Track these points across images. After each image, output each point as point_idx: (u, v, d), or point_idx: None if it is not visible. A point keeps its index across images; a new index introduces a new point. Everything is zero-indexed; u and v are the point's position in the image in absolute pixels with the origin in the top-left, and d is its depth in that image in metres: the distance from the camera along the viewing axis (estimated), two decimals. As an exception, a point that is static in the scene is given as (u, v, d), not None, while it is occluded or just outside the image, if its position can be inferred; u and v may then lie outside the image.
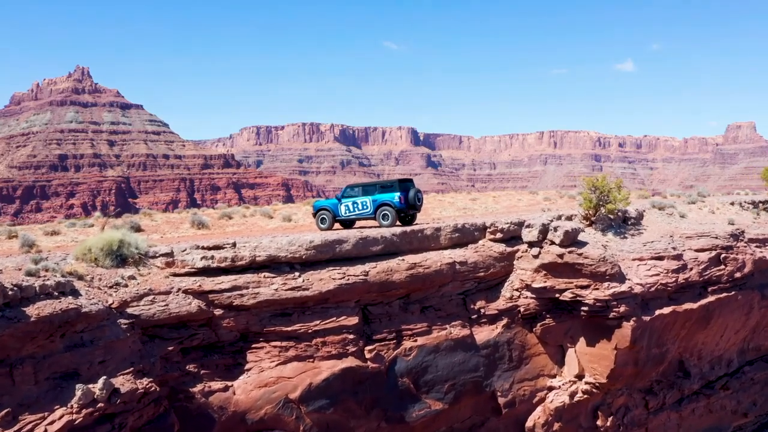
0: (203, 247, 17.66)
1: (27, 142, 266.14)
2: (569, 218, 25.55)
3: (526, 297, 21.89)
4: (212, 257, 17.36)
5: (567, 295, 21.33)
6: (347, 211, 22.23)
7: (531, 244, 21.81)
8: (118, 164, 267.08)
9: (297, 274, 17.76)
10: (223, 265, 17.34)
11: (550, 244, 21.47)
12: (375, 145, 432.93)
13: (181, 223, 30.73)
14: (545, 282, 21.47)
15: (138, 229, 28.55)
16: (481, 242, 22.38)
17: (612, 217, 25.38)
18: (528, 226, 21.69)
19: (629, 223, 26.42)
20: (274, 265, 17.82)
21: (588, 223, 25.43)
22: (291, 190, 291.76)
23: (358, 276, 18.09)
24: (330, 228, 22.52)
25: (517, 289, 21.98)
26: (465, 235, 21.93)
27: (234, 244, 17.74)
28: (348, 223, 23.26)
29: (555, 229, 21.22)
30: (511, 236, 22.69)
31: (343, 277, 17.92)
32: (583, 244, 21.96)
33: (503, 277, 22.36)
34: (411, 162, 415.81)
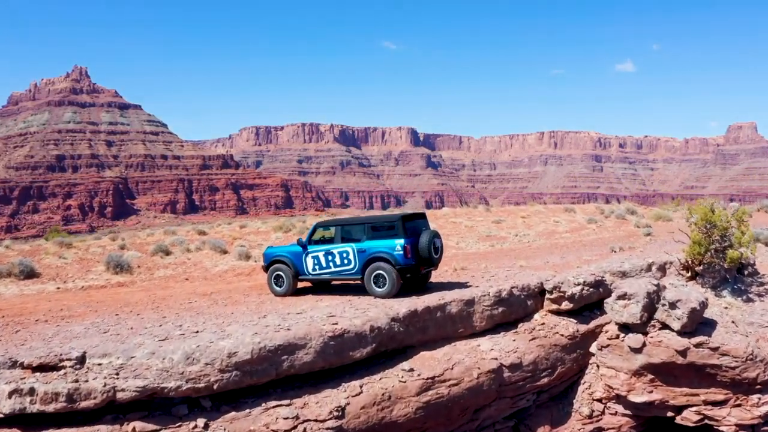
0: (23, 366, 8.93)
1: (24, 142, 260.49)
2: (662, 268, 16.81)
3: (615, 413, 13.09)
4: (32, 391, 8.60)
5: (689, 417, 12.52)
6: (317, 267, 13.50)
7: (626, 327, 13.01)
8: (116, 165, 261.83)
9: (202, 422, 8.94)
10: (51, 408, 8.57)
11: (660, 329, 12.66)
12: (375, 146, 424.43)
13: (98, 261, 22.03)
14: (651, 393, 12.67)
15: (31, 273, 20.05)
16: (537, 317, 13.64)
17: (727, 267, 16.57)
18: (622, 298, 12.83)
19: (745, 273, 17.62)
20: (159, 402, 9.06)
21: (689, 275, 16.68)
22: (290, 191, 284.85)
23: (324, 422, 9.27)
24: (290, 292, 13.85)
25: (599, 400, 13.19)
26: (512, 308, 13.18)
27: (81, 360, 8.98)
28: (319, 283, 14.58)
29: (672, 306, 12.38)
30: (585, 304, 14.03)
31: (295, 426, 9.10)
32: (711, 324, 13.17)
33: (575, 378, 13.61)
34: (411, 162, 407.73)
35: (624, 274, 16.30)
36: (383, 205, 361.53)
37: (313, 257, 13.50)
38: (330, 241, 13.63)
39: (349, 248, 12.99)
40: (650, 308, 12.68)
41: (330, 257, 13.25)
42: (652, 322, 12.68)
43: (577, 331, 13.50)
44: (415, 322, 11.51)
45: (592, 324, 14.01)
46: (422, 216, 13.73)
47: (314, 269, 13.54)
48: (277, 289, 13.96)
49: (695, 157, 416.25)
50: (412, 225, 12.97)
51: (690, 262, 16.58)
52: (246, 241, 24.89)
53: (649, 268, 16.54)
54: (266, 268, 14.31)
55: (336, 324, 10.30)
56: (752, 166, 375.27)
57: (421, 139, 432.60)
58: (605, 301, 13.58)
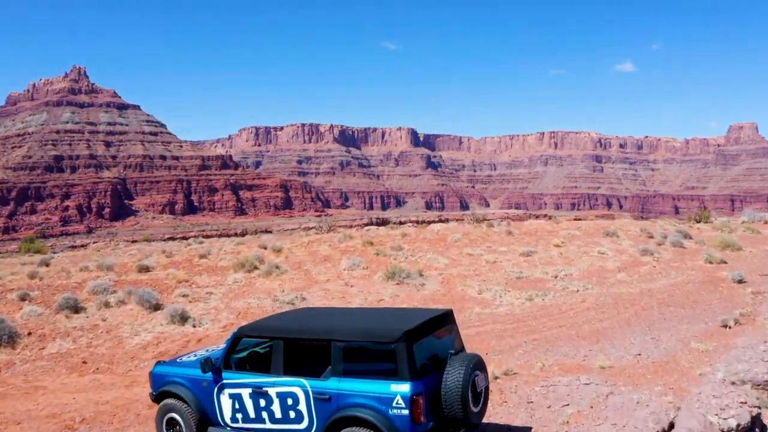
0: None
1: (22, 142, 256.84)
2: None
3: None
4: None
5: None
6: (239, 416, 6.89)
7: None
8: (114, 165, 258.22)
9: None
10: None
11: None
12: (375, 146, 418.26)
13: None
14: None
15: None
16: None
17: None
18: None
19: None
20: None
21: None
22: (290, 192, 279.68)
23: None
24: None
25: None
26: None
27: None
28: None
29: None
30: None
31: None
32: None
33: None
34: (411, 163, 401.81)
35: (777, 387, 9.80)
36: (383, 205, 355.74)
37: (231, 396, 6.92)
38: (266, 366, 7.04)
39: (299, 389, 6.40)
40: None
41: (263, 402, 6.66)
42: None
43: None
44: None
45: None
46: (445, 320, 6.94)
47: (234, 419, 6.96)
48: (171, 446, 7.40)
49: (696, 158, 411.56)
50: (428, 347, 6.33)
51: None
52: (191, 289, 18.27)
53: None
54: (154, 398, 7.76)
55: None
56: (753, 167, 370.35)
57: (421, 139, 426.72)
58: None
